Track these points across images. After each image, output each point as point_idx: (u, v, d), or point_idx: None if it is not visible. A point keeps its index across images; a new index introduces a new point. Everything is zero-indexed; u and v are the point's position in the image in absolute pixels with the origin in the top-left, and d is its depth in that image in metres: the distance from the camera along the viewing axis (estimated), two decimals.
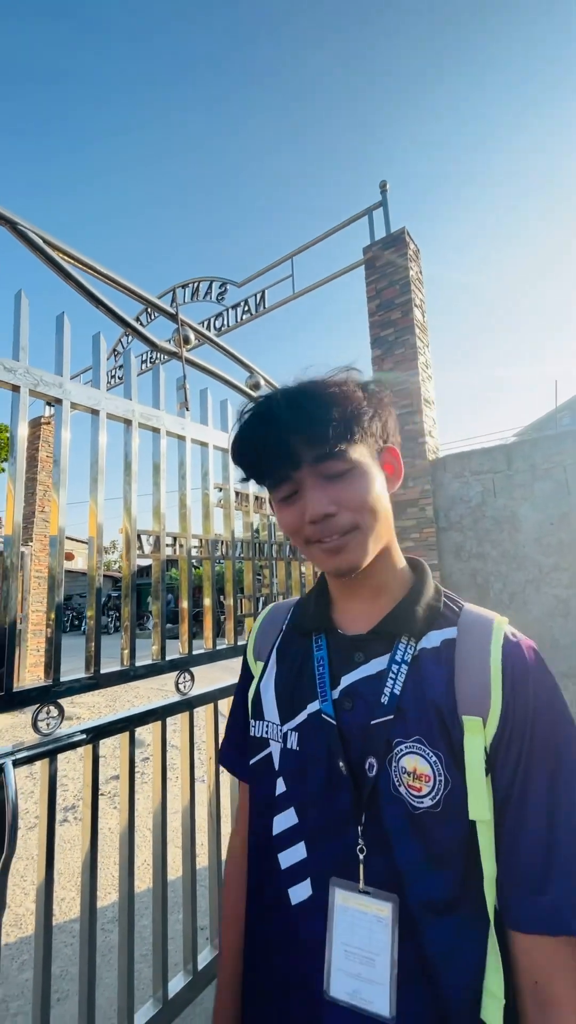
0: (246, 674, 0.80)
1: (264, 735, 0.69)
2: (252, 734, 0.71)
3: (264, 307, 6.22)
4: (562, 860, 0.51)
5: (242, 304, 6.43)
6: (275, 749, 0.67)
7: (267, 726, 0.68)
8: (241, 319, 6.44)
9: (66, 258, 1.64)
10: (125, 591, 1.58)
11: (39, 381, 1.41)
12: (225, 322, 6.58)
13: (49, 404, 1.51)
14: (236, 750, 0.80)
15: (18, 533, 1.31)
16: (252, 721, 0.72)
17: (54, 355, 1.51)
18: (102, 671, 1.41)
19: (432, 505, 4.04)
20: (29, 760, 1.20)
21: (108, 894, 2.54)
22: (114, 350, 8.33)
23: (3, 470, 19.42)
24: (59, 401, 1.46)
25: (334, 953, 0.54)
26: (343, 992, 0.52)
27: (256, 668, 0.76)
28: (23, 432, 1.34)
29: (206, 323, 6.83)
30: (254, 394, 2.23)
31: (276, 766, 0.66)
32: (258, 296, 6.27)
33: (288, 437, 0.60)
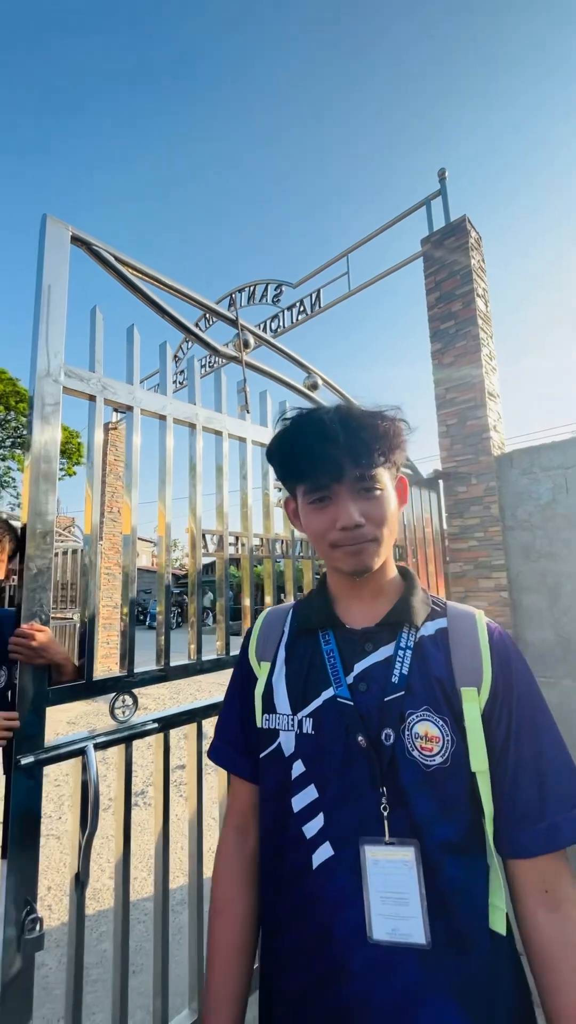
0: (247, 675, 0.85)
1: (275, 727, 0.75)
2: (264, 727, 0.76)
3: (320, 306, 6.21)
4: (551, 790, 0.64)
5: (298, 304, 6.46)
6: (286, 738, 0.73)
7: (278, 718, 0.75)
8: (297, 320, 6.47)
9: (134, 272, 1.73)
10: (191, 588, 1.64)
11: (112, 390, 1.50)
12: (281, 324, 6.64)
13: (117, 411, 1.60)
14: (232, 747, 0.84)
15: (95, 533, 1.41)
16: (264, 715, 0.77)
17: (125, 364, 1.61)
18: (171, 664, 1.49)
19: (497, 503, 3.86)
20: (107, 745, 1.29)
21: (176, 877, 2.66)
22: (175, 356, 8.66)
23: (75, 473, 20.76)
24: (130, 408, 1.55)
25: (372, 902, 0.63)
26: (383, 933, 0.62)
27: (261, 669, 0.82)
28: (100, 438, 1.43)
29: (262, 325, 6.93)
30: (312, 394, 2.24)
31: (290, 751, 0.72)
32: (313, 296, 6.27)
33: (338, 453, 0.70)
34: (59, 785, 4.15)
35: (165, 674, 1.47)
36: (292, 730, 0.72)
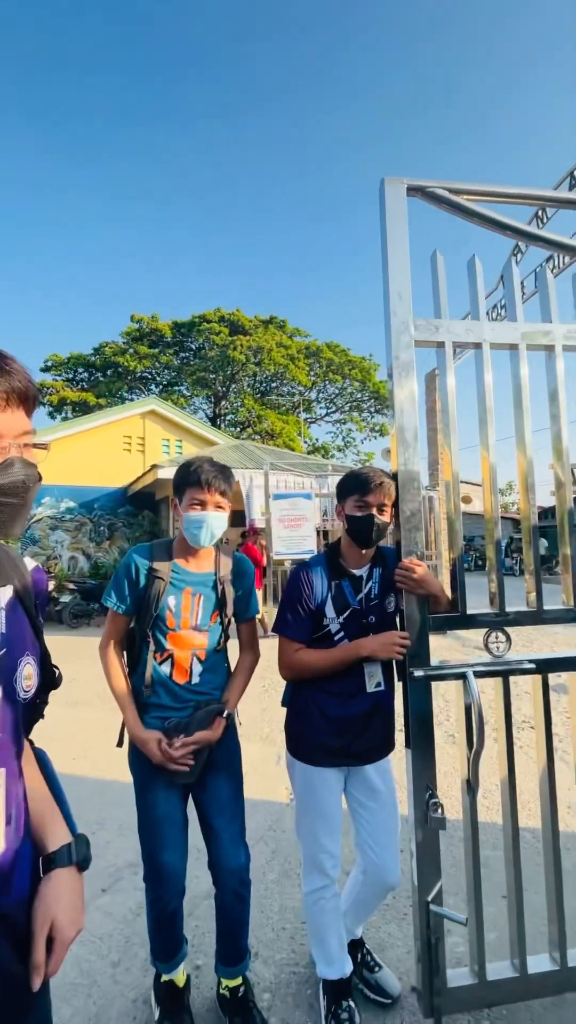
0: None
1: None
2: None
3: None
4: None
5: None
6: None
7: None
8: None
9: (468, 197, 1.62)
10: (561, 529, 1.50)
11: (459, 332, 1.48)
12: None
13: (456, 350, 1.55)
14: None
15: (456, 479, 1.45)
16: None
17: (469, 302, 1.56)
18: (545, 608, 1.42)
19: None
20: (484, 675, 1.36)
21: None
22: (501, 277, 7.75)
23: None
24: (479, 345, 1.50)
25: None
26: None
27: None
28: (452, 384, 1.46)
29: None
30: None
31: None
32: None
33: None
34: None
35: (538, 617, 1.41)
36: None
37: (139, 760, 1.34)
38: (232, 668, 1.49)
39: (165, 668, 1.35)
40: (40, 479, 0.64)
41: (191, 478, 1.34)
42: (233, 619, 1.46)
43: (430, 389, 9.74)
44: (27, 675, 0.69)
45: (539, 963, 1.39)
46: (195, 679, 1.36)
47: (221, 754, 1.37)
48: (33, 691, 0.71)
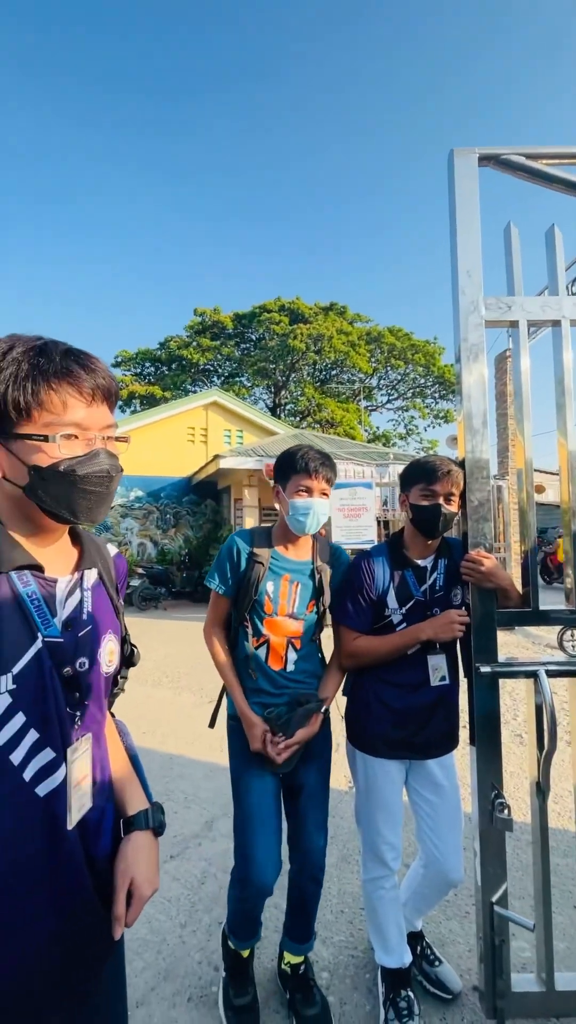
0: None
1: None
2: None
3: None
4: None
5: None
6: None
7: None
8: None
9: (547, 162, 1.50)
10: None
11: (534, 310, 1.38)
12: None
13: (508, 329, 1.45)
14: None
15: (529, 468, 1.37)
16: None
17: (547, 275, 1.45)
18: None
19: None
20: (557, 675, 1.29)
21: None
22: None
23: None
24: (557, 323, 1.39)
25: None
26: None
27: None
28: (526, 365, 1.37)
29: None
30: None
31: None
32: None
33: None
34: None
35: None
36: None
37: (239, 746, 1.36)
38: (326, 659, 1.48)
39: (261, 653, 1.36)
40: (121, 470, 0.68)
41: (298, 465, 1.32)
42: (328, 610, 1.44)
43: (500, 372, 9.20)
44: (110, 651, 0.74)
45: None
46: (290, 667, 1.37)
47: (316, 744, 1.38)
48: (115, 666, 0.76)
